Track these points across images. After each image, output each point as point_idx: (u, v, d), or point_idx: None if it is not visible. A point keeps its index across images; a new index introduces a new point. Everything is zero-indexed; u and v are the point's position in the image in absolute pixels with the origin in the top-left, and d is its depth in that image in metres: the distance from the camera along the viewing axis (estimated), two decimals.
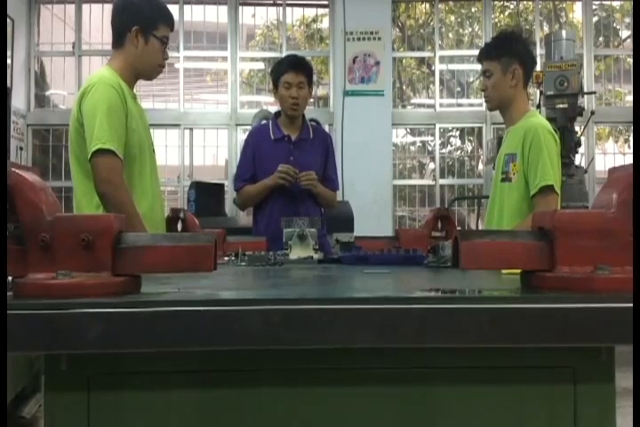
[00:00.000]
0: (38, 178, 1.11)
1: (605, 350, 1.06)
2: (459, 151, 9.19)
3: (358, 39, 7.62)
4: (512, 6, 9.52)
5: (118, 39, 2.73)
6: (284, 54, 7.65)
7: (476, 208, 8.10)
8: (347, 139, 7.14)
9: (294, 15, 8.62)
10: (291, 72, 3.50)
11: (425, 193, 8.35)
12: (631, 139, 8.73)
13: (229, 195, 7.45)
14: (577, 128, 5.89)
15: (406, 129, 8.82)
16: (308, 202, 3.54)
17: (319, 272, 1.92)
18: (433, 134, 8.35)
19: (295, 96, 3.50)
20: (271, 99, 7.40)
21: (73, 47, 8.13)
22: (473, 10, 8.93)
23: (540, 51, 7.06)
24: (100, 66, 7.96)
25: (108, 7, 8.10)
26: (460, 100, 8.73)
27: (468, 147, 9.14)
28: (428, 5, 8.72)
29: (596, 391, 1.07)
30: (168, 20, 2.77)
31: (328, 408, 1.08)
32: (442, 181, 8.25)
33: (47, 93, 8.54)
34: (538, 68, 5.30)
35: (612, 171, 1.15)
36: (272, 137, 3.60)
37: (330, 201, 3.74)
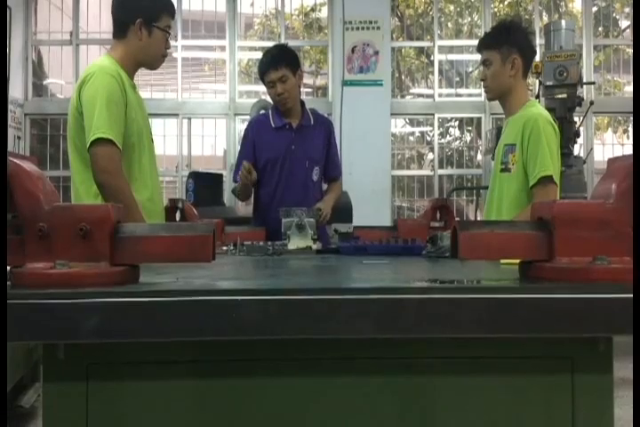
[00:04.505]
0: (36, 167, 1.11)
1: (604, 340, 1.07)
2: (457, 141, 9.18)
3: (357, 29, 7.59)
4: None
5: (120, 30, 2.71)
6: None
7: (475, 198, 8.10)
8: (345, 129, 7.13)
9: (293, 4, 8.58)
10: (270, 70, 3.45)
11: (424, 183, 8.35)
12: (630, 129, 8.73)
13: (228, 185, 7.45)
14: (576, 118, 5.88)
15: (405, 119, 8.81)
16: (307, 192, 3.54)
17: (318, 262, 1.92)
18: (432, 124, 8.33)
19: (280, 92, 3.47)
20: None
21: (70, 36, 8.09)
22: None
23: (539, 41, 7.03)
24: (97, 55, 7.96)
25: None
26: (460, 90, 8.71)
27: (467, 137, 9.14)
28: None
29: (594, 382, 1.08)
30: (170, 9, 2.76)
31: (327, 398, 1.08)
32: (440, 172, 8.24)
33: (45, 82, 8.51)
34: (537, 58, 5.29)
35: (612, 161, 1.15)
36: (273, 125, 3.59)
37: (339, 197, 3.77)
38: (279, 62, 3.45)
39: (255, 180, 3.40)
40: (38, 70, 8.33)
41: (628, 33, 8.83)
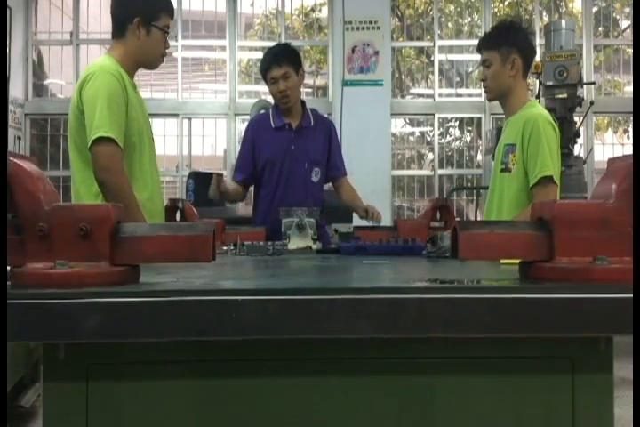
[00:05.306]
0: (36, 167, 1.11)
1: (604, 340, 1.07)
2: (458, 141, 9.18)
3: (357, 29, 7.59)
4: None
5: (119, 30, 2.71)
6: None
7: (475, 198, 8.10)
8: (345, 129, 7.12)
9: (293, 4, 8.58)
10: (273, 67, 3.45)
11: (424, 183, 8.35)
12: (630, 129, 8.73)
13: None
14: (576, 118, 5.88)
15: (405, 119, 8.81)
16: (307, 193, 3.53)
17: (318, 262, 1.92)
18: (432, 124, 8.33)
19: (282, 89, 3.46)
20: None
21: (71, 36, 8.09)
22: None
23: (539, 41, 7.03)
24: (97, 55, 7.96)
25: None
26: (460, 91, 8.71)
27: (467, 137, 9.14)
28: None
29: (595, 381, 1.08)
30: (168, 9, 2.76)
31: (327, 398, 1.08)
32: (441, 172, 8.24)
33: (45, 83, 8.52)
34: (537, 58, 5.29)
35: (612, 161, 1.15)
36: (273, 126, 3.59)
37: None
38: (282, 59, 3.45)
39: (227, 192, 3.38)
40: (38, 70, 8.33)
41: (629, 33, 8.83)
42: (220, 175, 3.33)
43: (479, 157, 8.74)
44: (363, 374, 1.08)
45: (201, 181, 6.71)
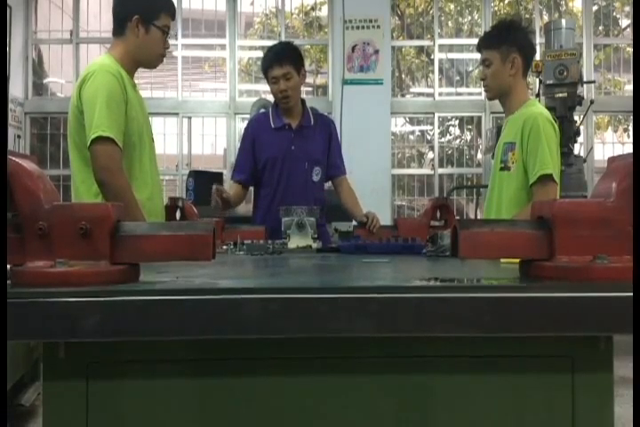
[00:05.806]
0: (36, 166, 1.11)
1: (604, 339, 1.07)
2: (458, 140, 9.18)
3: (357, 27, 7.58)
4: None
5: (119, 27, 2.71)
6: None
7: (475, 197, 8.09)
8: (345, 128, 7.11)
9: (293, 3, 8.57)
10: (275, 66, 3.41)
11: (424, 182, 8.34)
12: (630, 128, 8.72)
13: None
14: (576, 117, 5.88)
15: (405, 118, 8.80)
16: (307, 193, 3.53)
17: (318, 261, 1.92)
18: (432, 123, 8.33)
19: (283, 89, 3.43)
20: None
21: (71, 35, 8.09)
22: None
23: (539, 39, 7.03)
24: (97, 54, 7.96)
25: None
26: (460, 89, 8.70)
27: (467, 136, 9.13)
28: None
29: (595, 380, 1.08)
30: (169, 9, 2.76)
31: (327, 397, 1.08)
32: (441, 171, 8.24)
33: (45, 81, 8.51)
34: (537, 56, 5.29)
35: (612, 160, 1.15)
36: (272, 125, 3.57)
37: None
38: (284, 59, 3.42)
39: (228, 201, 3.24)
40: (38, 69, 8.32)
41: (629, 32, 8.83)
42: (220, 186, 3.24)
43: (479, 155, 8.74)
44: (363, 373, 1.08)
45: (201, 180, 6.71)
